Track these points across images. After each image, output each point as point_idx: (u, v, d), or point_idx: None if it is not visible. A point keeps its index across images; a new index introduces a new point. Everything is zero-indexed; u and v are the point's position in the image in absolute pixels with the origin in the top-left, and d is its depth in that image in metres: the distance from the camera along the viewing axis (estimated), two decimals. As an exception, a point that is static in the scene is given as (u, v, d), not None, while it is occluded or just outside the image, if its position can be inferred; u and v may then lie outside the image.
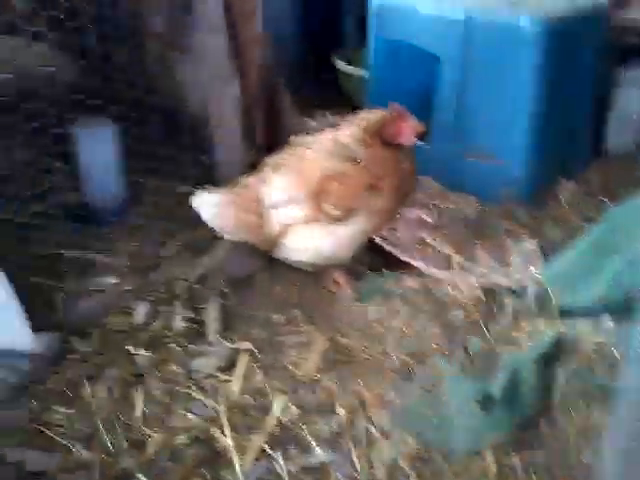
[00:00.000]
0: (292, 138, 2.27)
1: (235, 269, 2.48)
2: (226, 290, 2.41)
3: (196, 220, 2.62)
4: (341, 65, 3.53)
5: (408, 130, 2.11)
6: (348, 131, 2.14)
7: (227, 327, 2.25)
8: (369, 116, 2.17)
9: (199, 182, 2.78)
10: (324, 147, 2.12)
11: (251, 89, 2.24)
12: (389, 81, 3.06)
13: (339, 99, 3.65)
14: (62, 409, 1.95)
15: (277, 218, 2.13)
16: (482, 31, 2.57)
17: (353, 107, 3.60)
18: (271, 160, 2.20)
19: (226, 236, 2.21)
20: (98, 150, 2.62)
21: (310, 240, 2.15)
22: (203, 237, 2.55)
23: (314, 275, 2.40)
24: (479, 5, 2.67)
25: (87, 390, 2.00)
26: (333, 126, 3.36)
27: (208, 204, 2.16)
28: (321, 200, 2.08)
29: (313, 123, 3.26)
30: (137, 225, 2.66)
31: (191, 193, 2.75)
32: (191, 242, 2.56)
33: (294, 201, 2.10)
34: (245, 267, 2.50)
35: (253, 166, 2.40)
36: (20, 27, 2.63)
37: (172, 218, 2.68)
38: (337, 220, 2.12)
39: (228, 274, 2.45)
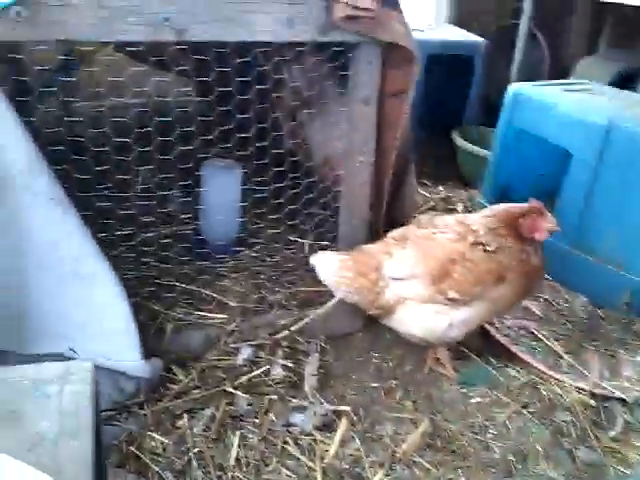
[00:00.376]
0: (421, 216, 2.31)
1: (336, 326, 2.48)
2: (325, 346, 2.41)
3: (307, 272, 2.69)
4: (461, 142, 3.57)
5: (545, 227, 2.10)
6: (482, 219, 2.14)
7: (323, 384, 2.23)
8: (508, 208, 2.17)
9: (315, 237, 2.86)
10: (454, 230, 2.12)
11: (387, 161, 2.27)
12: (513, 168, 3.06)
13: (454, 175, 3.67)
14: (159, 437, 1.97)
15: (394, 290, 2.13)
16: (623, 139, 2.56)
17: (466, 184, 3.64)
18: (397, 233, 2.22)
19: (338, 296, 2.21)
20: (223, 190, 2.71)
21: (424, 317, 2.13)
22: (311, 290, 2.59)
23: (416, 349, 2.36)
24: (623, 113, 2.68)
25: (185, 423, 2.01)
26: (445, 200, 3.42)
27: (327, 263, 2.18)
28: (442, 281, 2.07)
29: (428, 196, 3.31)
30: (248, 266, 2.70)
31: (305, 245, 2.82)
32: (298, 292, 2.57)
33: (415, 277, 2.10)
34: (346, 326, 2.50)
35: (373, 235, 2.44)
36: (169, 66, 2.78)
37: (282, 266, 2.73)
38: (455, 303, 2.10)
39: (329, 330, 2.46)
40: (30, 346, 1.91)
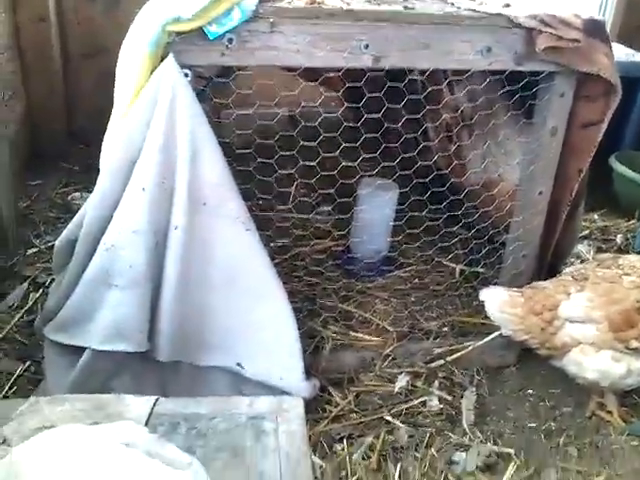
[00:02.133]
0: (601, 256, 2.18)
1: (490, 359, 2.39)
2: (480, 379, 2.34)
3: (458, 297, 2.62)
4: (620, 168, 3.36)
5: None
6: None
7: (479, 420, 2.16)
8: None
9: (467, 264, 2.78)
10: (642, 275, 1.98)
11: (566, 193, 2.16)
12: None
13: (610, 203, 3.46)
14: (317, 460, 1.97)
15: (570, 331, 2.02)
16: None
17: (624, 214, 3.43)
18: (575, 271, 2.11)
19: (505, 333, 2.12)
20: (378, 209, 2.68)
21: (601, 362, 2.00)
22: (467, 320, 2.52)
23: (573, 388, 2.23)
24: None
25: (343, 448, 2.01)
26: (601, 230, 3.23)
27: (498, 299, 2.10)
28: (625, 330, 1.94)
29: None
30: (397, 288, 2.66)
31: (456, 270, 2.75)
32: (452, 321, 2.51)
33: (592, 322, 1.98)
34: (500, 359, 2.41)
35: (539, 270, 2.33)
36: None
37: (433, 290, 2.67)
38: (636, 352, 1.97)
39: (483, 362, 2.38)
40: (202, 358, 1.96)
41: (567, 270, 2.16)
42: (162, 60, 1.73)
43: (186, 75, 1.77)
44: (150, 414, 1.20)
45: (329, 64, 1.72)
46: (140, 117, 1.74)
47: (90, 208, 1.81)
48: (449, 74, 2.62)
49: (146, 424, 1.17)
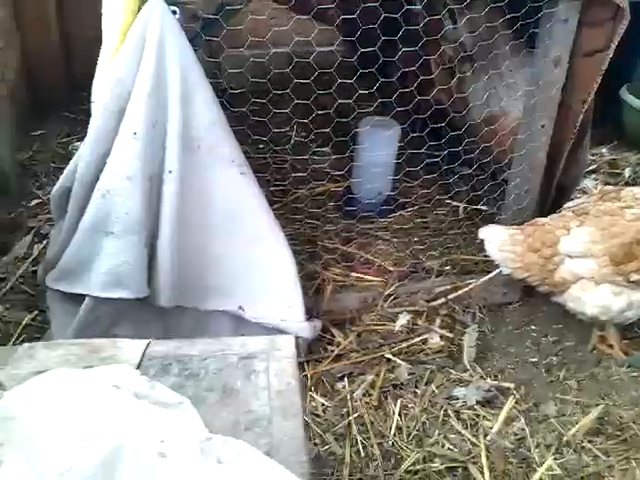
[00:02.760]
0: (605, 188, 2.14)
1: (493, 297, 2.39)
2: (482, 316, 2.34)
3: (461, 236, 2.60)
4: (631, 100, 3.26)
5: None
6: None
7: (481, 357, 2.18)
8: None
9: (470, 200, 2.75)
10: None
11: (570, 125, 2.10)
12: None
13: (619, 136, 3.37)
14: (319, 398, 2.01)
15: (570, 267, 2.00)
16: None
17: (634, 147, 3.35)
18: (576, 207, 2.07)
19: (505, 271, 2.11)
20: (380, 149, 2.63)
21: (601, 297, 1.99)
22: (469, 257, 2.51)
23: (576, 323, 2.23)
24: None
25: (345, 386, 2.04)
26: (610, 164, 3.17)
27: (497, 238, 2.08)
28: (625, 263, 1.92)
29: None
30: (400, 228, 2.65)
31: (460, 208, 2.72)
32: (454, 259, 2.50)
33: (594, 256, 1.96)
34: (503, 297, 2.41)
35: (543, 204, 2.30)
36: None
37: (436, 229, 2.66)
38: (637, 285, 1.95)
39: (485, 300, 2.38)
40: (205, 303, 1.98)
41: (568, 205, 2.12)
42: (148, -2, 1.68)
43: (174, 12, 1.72)
44: (142, 356, 1.21)
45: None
46: (129, 59, 1.71)
47: (83, 154, 1.80)
48: (449, 2, 2.52)
49: (138, 366, 1.19)
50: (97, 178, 1.77)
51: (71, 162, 1.87)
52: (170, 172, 1.78)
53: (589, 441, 1.89)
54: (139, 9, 1.69)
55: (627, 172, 3.10)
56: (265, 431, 1.09)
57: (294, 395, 1.15)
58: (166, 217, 1.81)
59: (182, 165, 1.79)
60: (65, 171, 1.90)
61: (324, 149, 2.88)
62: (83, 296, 1.87)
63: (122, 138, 1.73)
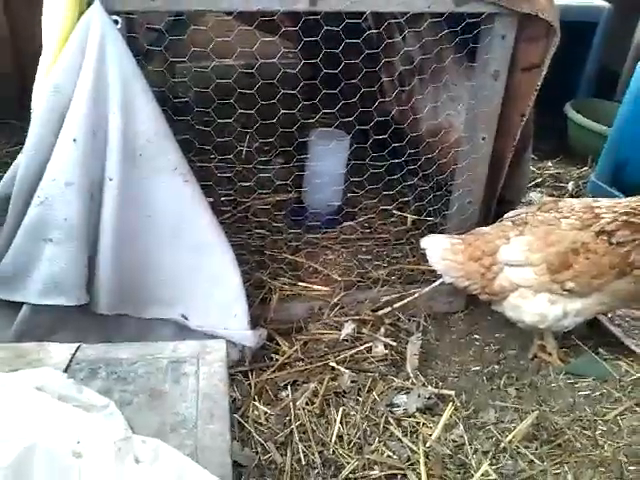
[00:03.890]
0: (545, 199, 2.20)
1: (438, 305, 2.44)
2: (427, 325, 2.38)
3: (409, 245, 2.64)
4: (575, 116, 3.38)
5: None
6: (615, 206, 2.01)
7: (424, 364, 2.21)
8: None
9: (416, 210, 2.80)
10: (579, 216, 2.00)
11: (510, 138, 2.16)
12: (638, 144, 2.85)
13: (564, 151, 3.48)
14: (262, 407, 2.01)
15: (508, 275, 2.05)
16: None
17: (577, 161, 3.45)
18: (515, 217, 2.13)
19: (447, 280, 2.16)
20: (329, 159, 2.67)
21: (537, 305, 2.04)
22: (414, 267, 2.55)
23: (518, 333, 2.28)
24: None
25: (288, 395, 2.05)
26: (554, 177, 3.26)
27: (438, 247, 2.12)
28: (560, 272, 1.98)
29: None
30: (349, 238, 2.68)
31: (408, 219, 2.76)
32: (402, 269, 2.54)
33: (531, 265, 2.01)
34: (447, 306, 2.45)
35: (485, 215, 2.35)
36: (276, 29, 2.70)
37: (384, 239, 2.69)
38: (572, 294, 2.01)
39: (430, 309, 2.42)
40: (146, 311, 1.97)
41: (508, 215, 2.18)
42: (89, 5, 1.68)
43: (116, 22, 1.72)
44: (71, 360, 1.21)
45: (264, 7, 1.69)
46: (68, 66, 1.70)
47: (22, 161, 1.78)
48: (403, 25, 2.58)
49: (66, 370, 1.18)
50: (36, 185, 1.75)
51: (10, 169, 1.85)
52: (111, 180, 1.77)
53: (525, 447, 1.92)
54: (80, 15, 1.69)
55: (570, 185, 3.20)
56: (190, 433, 1.09)
57: (222, 398, 1.16)
58: (107, 224, 1.80)
59: (123, 173, 1.79)
60: (4, 178, 1.87)
61: (280, 161, 2.90)
62: (22, 304, 1.84)
63: (61, 145, 1.72)
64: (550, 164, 3.38)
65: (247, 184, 2.37)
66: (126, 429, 1.00)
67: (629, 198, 2.07)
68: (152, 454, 0.93)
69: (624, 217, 1.96)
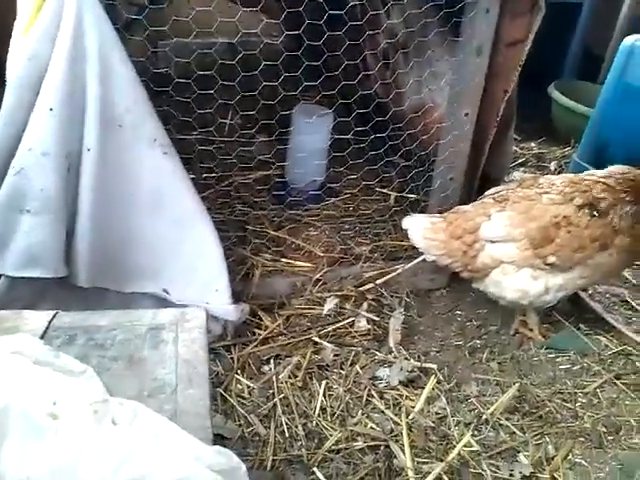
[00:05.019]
0: (526, 176, 2.20)
1: (421, 282, 2.44)
2: (409, 301, 2.39)
3: (392, 222, 2.63)
4: (558, 97, 3.38)
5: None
6: (596, 179, 2.01)
7: (407, 339, 2.21)
8: (630, 169, 2.02)
9: (399, 186, 2.79)
10: (560, 191, 2.00)
11: (493, 114, 2.16)
12: (619, 125, 2.86)
13: (547, 131, 3.49)
14: (245, 380, 2.00)
15: (490, 252, 2.05)
16: None
17: (560, 141, 3.46)
18: (496, 193, 2.13)
19: (429, 258, 2.15)
20: (313, 136, 2.65)
21: (519, 281, 2.05)
22: (397, 243, 2.55)
23: (500, 309, 2.29)
24: None
25: (271, 369, 2.04)
26: (537, 157, 3.27)
27: (419, 226, 2.12)
28: (543, 246, 1.98)
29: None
30: (332, 214, 2.67)
31: (391, 196, 2.75)
32: (385, 245, 2.53)
33: (513, 240, 2.01)
34: (430, 282, 2.46)
35: (467, 192, 2.35)
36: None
37: (367, 215, 2.68)
38: (554, 268, 2.02)
39: (413, 285, 2.43)
40: (127, 285, 1.95)
41: (488, 193, 2.17)
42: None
43: (93, -13, 1.68)
44: (47, 327, 1.19)
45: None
46: (44, 34, 1.65)
47: (-3, 128, 1.74)
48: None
49: (42, 336, 1.16)
50: (12, 155, 1.72)
51: (-14, 137, 1.81)
52: (89, 150, 1.74)
53: (507, 418, 1.94)
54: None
55: (552, 165, 3.22)
56: (169, 398, 1.08)
57: (201, 365, 1.15)
58: (85, 195, 1.76)
59: (102, 143, 1.75)
60: (-20, 147, 1.83)
61: (263, 138, 2.87)
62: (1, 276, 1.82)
63: (38, 114, 1.67)
64: (533, 144, 3.39)
65: (229, 159, 2.34)
66: (104, 392, 0.99)
67: (610, 169, 2.07)
68: (130, 415, 0.91)
69: (610, 187, 1.97)
